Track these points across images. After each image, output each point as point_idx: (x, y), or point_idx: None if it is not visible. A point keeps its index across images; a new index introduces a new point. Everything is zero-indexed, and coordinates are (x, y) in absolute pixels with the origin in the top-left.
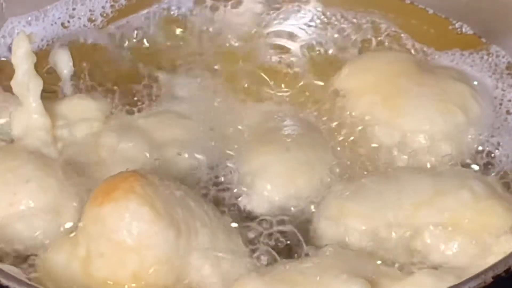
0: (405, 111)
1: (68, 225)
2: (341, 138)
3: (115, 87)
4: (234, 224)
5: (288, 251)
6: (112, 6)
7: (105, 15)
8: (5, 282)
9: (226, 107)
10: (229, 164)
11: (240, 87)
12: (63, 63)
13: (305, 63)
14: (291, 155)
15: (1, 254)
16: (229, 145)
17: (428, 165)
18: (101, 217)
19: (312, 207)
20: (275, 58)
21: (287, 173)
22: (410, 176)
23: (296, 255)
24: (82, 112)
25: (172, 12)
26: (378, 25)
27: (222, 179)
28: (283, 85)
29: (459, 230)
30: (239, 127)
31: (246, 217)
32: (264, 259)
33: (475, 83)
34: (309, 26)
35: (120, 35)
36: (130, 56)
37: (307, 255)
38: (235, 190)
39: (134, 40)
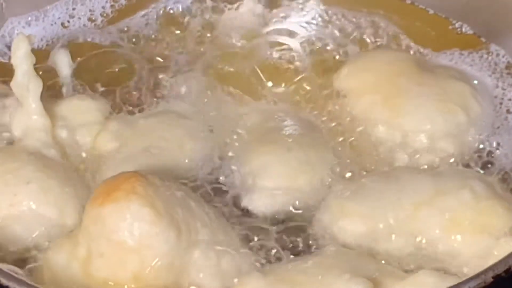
0: (405, 111)
1: (69, 225)
2: (341, 138)
3: (115, 88)
4: (235, 224)
5: (289, 250)
6: (112, 6)
7: (105, 15)
8: (5, 282)
9: (227, 107)
10: (229, 164)
11: (241, 86)
12: (63, 63)
13: (306, 63)
14: (291, 155)
15: (1, 254)
16: (230, 145)
17: (429, 165)
18: (101, 217)
19: (313, 207)
20: (275, 58)
21: (288, 173)
22: (411, 176)
23: (297, 254)
24: (82, 113)
25: (172, 12)
26: (378, 25)
27: (223, 179)
28: (283, 85)
29: (460, 230)
30: (240, 127)
31: (246, 217)
32: (265, 259)
33: (475, 82)
34: (310, 25)
35: (120, 35)
36: (130, 56)
37: (308, 254)
38: (235, 190)
39: (134, 40)
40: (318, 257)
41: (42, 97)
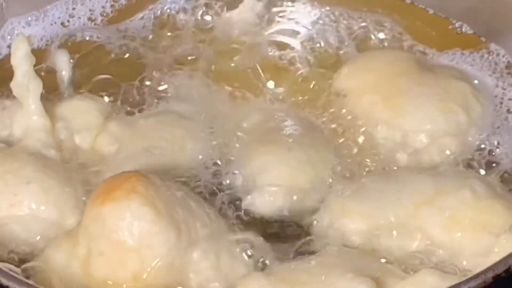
0: (406, 111)
1: (69, 225)
2: (342, 138)
3: (115, 88)
4: (235, 225)
5: (290, 250)
6: (112, 6)
7: (105, 14)
8: (5, 282)
9: (227, 107)
10: (229, 165)
11: (241, 86)
12: (63, 63)
13: (306, 63)
14: (292, 155)
15: (1, 254)
16: (230, 145)
17: (429, 165)
18: (102, 217)
19: (314, 207)
20: (276, 58)
21: (288, 173)
22: (411, 175)
23: (299, 254)
24: (82, 113)
25: (172, 12)
26: (378, 25)
27: (223, 179)
28: (284, 85)
29: (460, 229)
30: (240, 127)
31: (247, 217)
32: (266, 259)
33: (476, 82)
34: (310, 25)
35: (120, 35)
36: (130, 56)
37: (310, 254)
38: (236, 191)
39: (134, 40)
40: (320, 256)
41: (42, 98)
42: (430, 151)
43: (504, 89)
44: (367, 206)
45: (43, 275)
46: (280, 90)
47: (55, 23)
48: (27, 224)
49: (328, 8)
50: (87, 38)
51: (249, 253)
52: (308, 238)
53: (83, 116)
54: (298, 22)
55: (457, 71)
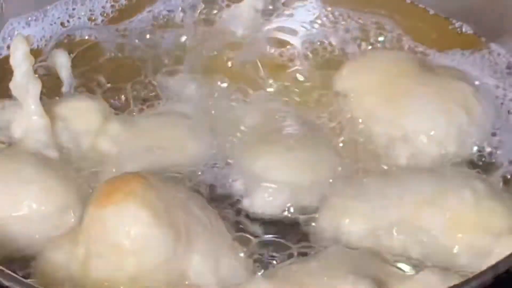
0: (407, 111)
1: (69, 226)
2: (343, 138)
3: (116, 88)
4: (235, 225)
5: (291, 252)
6: (112, 6)
7: (105, 15)
8: (5, 282)
9: (227, 107)
10: (230, 165)
11: (241, 86)
12: (63, 63)
13: (307, 63)
14: (293, 155)
15: (1, 255)
16: (231, 145)
17: (430, 165)
18: (101, 219)
19: (315, 207)
20: (276, 58)
21: (289, 173)
22: (412, 175)
23: (300, 256)
24: (82, 113)
25: (173, 11)
26: (378, 25)
27: (223, 179)
28: (284, 85)
29: (461, 230)
30: (241, 127)
31: (247, 218)
32: (266, 261)
33: (477, 83)
34: (311, 24)
35: (120, 35)
36: (130, 56)
37: (311, 255)
38: (236, 191)
39: (135, 40)
40: (322, 258)
41: (42, 98)
42: (430, 151)
43: (505, 89)
44: (368, 206)
45: (43, 275)
46: (281, 90)
47: (55, 23)
48: (27, 224)
49: (329, 8)
50: (87, 38)
51: (249, 255)
52: (309, 239)
53: (83, 116)
54: (299, 22)
55: (457, 72)
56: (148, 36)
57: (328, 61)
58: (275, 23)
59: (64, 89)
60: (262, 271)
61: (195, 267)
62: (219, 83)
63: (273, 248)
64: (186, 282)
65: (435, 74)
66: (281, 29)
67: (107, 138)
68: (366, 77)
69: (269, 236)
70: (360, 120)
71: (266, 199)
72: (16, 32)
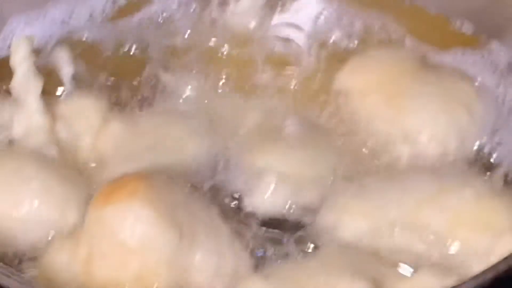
0: (408, 110)
1: (70, 225)
2: (343, 137)
3: (116, 87)
4: (236, 224)
5: (291, 251)
6: (112, 5)
7: (105, 14)
8: (5, 282)
9: (228, 106)
10: (231, 164)
11: (242, 85)
12: (63, 62)
13: (308, 62)
14: (294, 155)
15: (2, 254)
16: (232, 144)
17: (431, 164)
18: (103, 218)
19: (315, 206)
20: (278, 57)
21: (290, 173)
22: (413, 175)
23: (299, 255)
24: (83, 112)
25: (173, 10)
26: (379, 24)
27: (224, 179)
28: (285, 84)
29: (462, 229)
30: (242, 126)
31: (248, 217)
32: (266, 260)
33: (477, 82)
34: (312, 23)
35: (120, 34)
36: (130, 55)
37: (311, 254)
38: (237, 190)
39: (135, 39)
40: (320, 257)
41: (42, 97)
42: (432, 150)
43: (506, 88)
44: (369, 205)
45: (44, 275)
46: (282, 89)
47: (55, 22)
48: (28, 224)
49: (330, 7)
50: (88, 37)
51: (250, 253)
52: (309, 238)
53: (83, 115)
54: (300, 21)
55: (458, 71)
56: (148, 35)
57: (329, 61)
58: (276, 23)
59: (64, 88)
60: (262, 269)
61: (197, 266)
62: (219, 81)
63: (273, 246)
64: (189, 280)
65: (436, 73)
66: (281, 29)
67: (108, 137)
68: (368, 76)
69: (269, 234)
70: (361, 119)
71: (267, 198)
72: (16, 32)
